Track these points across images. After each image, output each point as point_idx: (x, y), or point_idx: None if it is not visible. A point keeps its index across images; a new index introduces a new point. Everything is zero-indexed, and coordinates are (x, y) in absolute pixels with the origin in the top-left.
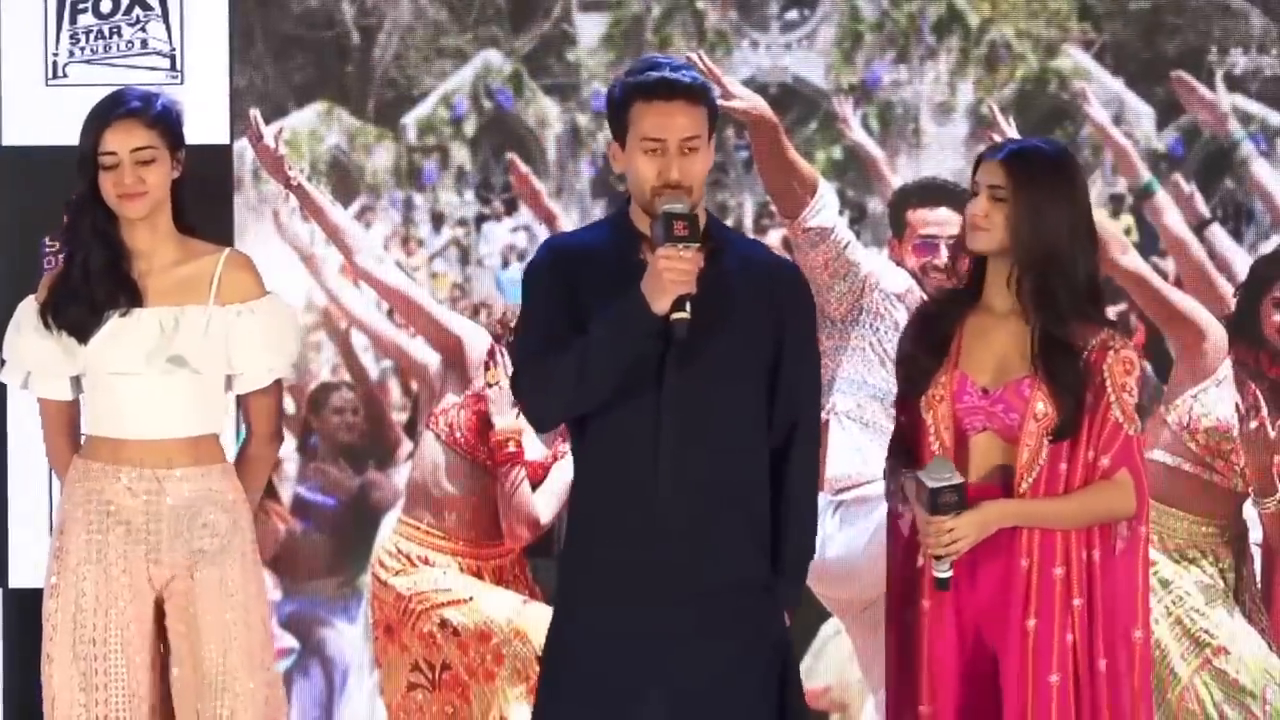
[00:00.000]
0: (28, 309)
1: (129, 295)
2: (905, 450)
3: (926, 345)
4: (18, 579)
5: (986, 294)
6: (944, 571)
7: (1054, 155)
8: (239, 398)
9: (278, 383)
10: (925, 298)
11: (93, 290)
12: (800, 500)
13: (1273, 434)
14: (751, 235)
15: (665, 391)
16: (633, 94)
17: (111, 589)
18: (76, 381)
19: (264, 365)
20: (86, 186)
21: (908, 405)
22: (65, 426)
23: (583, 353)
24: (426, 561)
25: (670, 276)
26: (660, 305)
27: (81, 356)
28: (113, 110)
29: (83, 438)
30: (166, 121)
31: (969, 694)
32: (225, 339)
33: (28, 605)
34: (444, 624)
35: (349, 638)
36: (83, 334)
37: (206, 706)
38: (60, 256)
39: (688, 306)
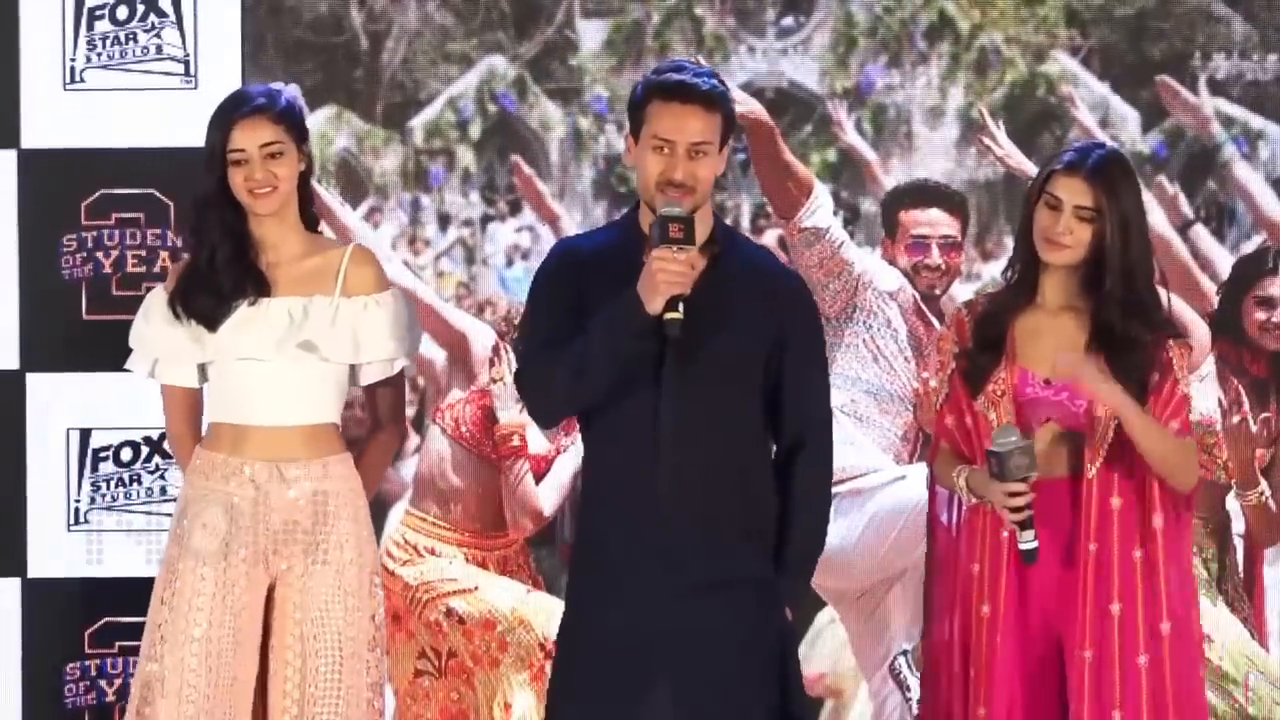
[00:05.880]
0: (157, 299)
1: (256, 285)
2: (954, 452)
3: (981, 345)
4: (36, 570)
5: (1042, 295)
6: (1029, 543)
7: (1125, 162)
8: (364, 389)
9: (400, 373)
10: (915, 295)
11: (220, 280)
12: (806, 501)
13: (1254, 428)
14: (748, 235)
15: (664, 389)
16: (652, 92)
17: (230, 575)
18: (202, 370)
19: (389, 355)
20: (215, 183)
21: (958, 406)
22: (188, 414)
23: (580, 350)
24: (433, 552)
25: (663, 278)
26: (653, 305)
27: (210, 344)
28: (239, 108)
29: (204, 426)
30: (291, 116)
31: (1029, 690)
32: (352, 330)
33: (47, 595)
34: (450, 612)
35: None
36: (211, 322)
37: (309, 703)
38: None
39: (680, 307)
